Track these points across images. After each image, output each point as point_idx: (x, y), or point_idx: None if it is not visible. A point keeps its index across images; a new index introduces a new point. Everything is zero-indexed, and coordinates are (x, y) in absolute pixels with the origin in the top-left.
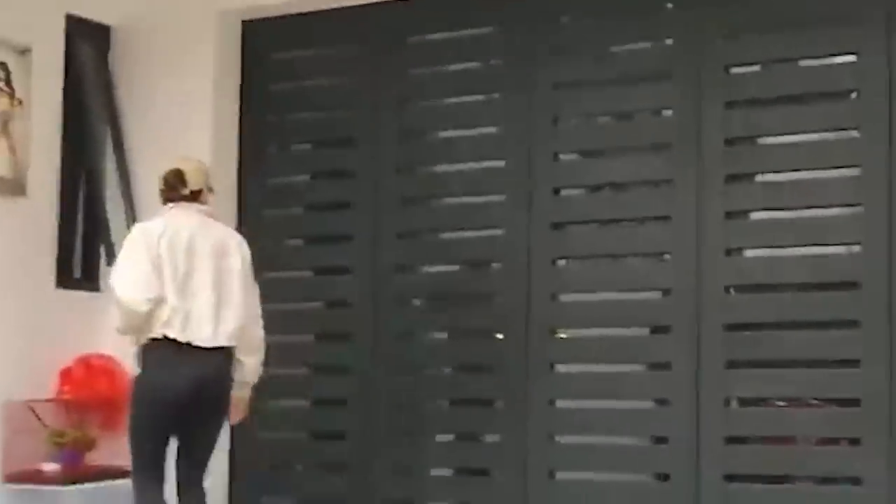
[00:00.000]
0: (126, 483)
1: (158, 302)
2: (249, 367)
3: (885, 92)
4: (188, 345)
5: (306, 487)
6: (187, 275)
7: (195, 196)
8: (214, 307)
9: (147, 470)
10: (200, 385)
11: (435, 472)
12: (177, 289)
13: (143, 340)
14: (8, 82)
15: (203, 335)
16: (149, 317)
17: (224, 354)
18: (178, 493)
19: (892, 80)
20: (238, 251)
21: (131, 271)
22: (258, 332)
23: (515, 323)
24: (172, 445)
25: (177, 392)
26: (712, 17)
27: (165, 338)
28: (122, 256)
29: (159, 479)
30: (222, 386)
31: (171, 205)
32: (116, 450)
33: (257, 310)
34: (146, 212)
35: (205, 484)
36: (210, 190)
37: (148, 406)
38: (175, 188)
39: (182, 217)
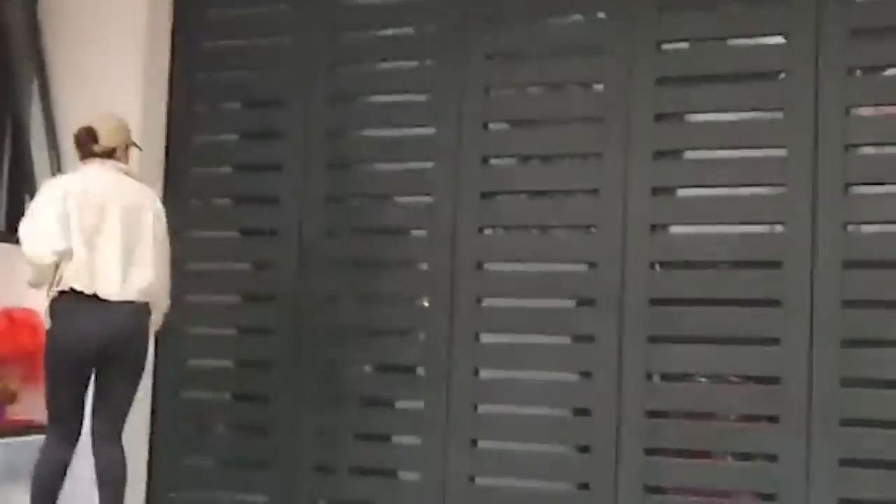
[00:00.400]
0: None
1: (64, 255)
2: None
3: (813, 74)
4: (96, 297)
5: (227, 449)
6: (95, 229)
7: (109, 153)
8: (122, 261)
9: (57, 424)
10: (108, 338)
11: (357, 437)
12: (84, 242)
13: (53, 294)
14: None
15: (110, 288)
16: (54, 269)
17: (134, 308)
18: (93, 448)
19: (820, 63)
20: (151, 209)
21: (37, 224)
22: (165, 298)
23: (441, 291)
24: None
25: (84, 345)
26: None
27: (73, 291)
28: (30, 210)
29: (67, 435)
30: (134, 340)
31: (86, 161)
32: (38, 403)
33: (167, 273)
34: (73, 165)
35: (123, 442)
36: (130, 147)
37: (58, 360)
38: (86, 145)
39: (95, 173)
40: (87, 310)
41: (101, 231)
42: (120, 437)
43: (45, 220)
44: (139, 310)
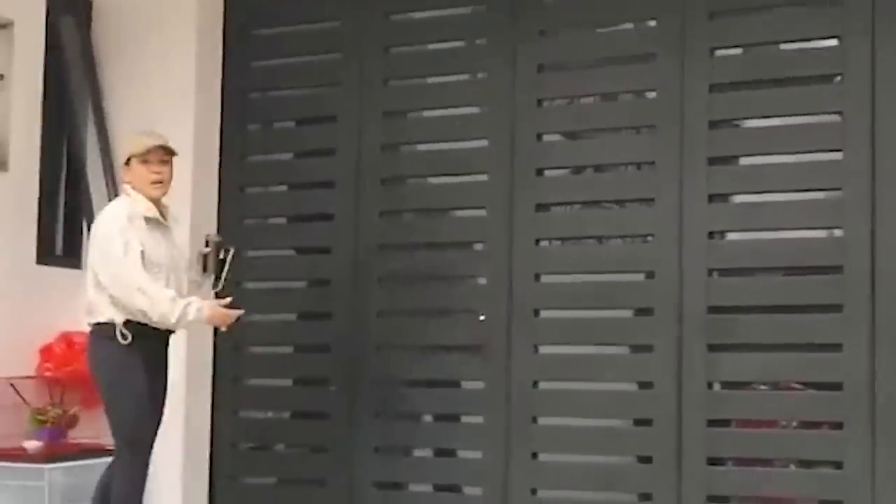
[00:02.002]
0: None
1: None
2: (155, 321)
3: (868, 76)
4: None
5: (287, 467)
6: None
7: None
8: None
9: None
10: None
11: (417, 452)
12: None
13: None
14: None
15: None
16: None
17: (91, 332)
18: None
19: (876, 64)
20: (97, 225)
21: None
22: (121, 294)
23: (498, 304)
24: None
25: None
26: None
27: None
28: None
29: None
30: (89, 362)
31: None
32: (98, 427)
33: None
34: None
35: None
36: (132, 160)
37: None
38: None
39: None
40: None
41: None
42: (113, 456)
43: None
44: (94, 332)
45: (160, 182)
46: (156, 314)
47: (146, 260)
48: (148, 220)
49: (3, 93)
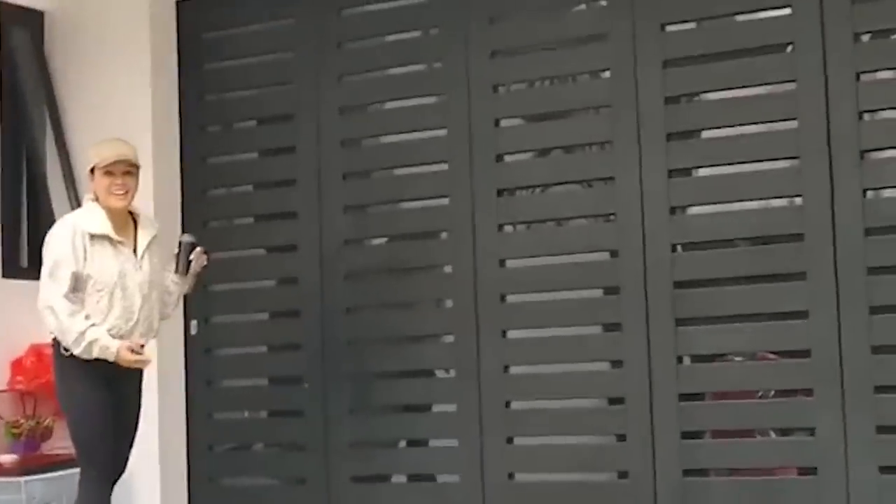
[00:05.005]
0: None
1: None
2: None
3: (820, 43)
4: None
5: (265, 466)
6: None
7: None
8: None
9: None
10: None
11: (391, 445)
12: None
13: None
14: None
15: None
16: None
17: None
18: None
19: (826, 31)
20: (46, 239)
21: None
22: (50, 322)
23: (465, 291)
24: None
25: None
26: None
27: None
28: None
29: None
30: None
31: None
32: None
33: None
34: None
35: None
36: (93, 172)
37: None
38: None
39: None
40: None
41: None
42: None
43: None
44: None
45: (123, 193)
46: (64, 340)
47: (84, 280)
48: (94, 237)
49: None
